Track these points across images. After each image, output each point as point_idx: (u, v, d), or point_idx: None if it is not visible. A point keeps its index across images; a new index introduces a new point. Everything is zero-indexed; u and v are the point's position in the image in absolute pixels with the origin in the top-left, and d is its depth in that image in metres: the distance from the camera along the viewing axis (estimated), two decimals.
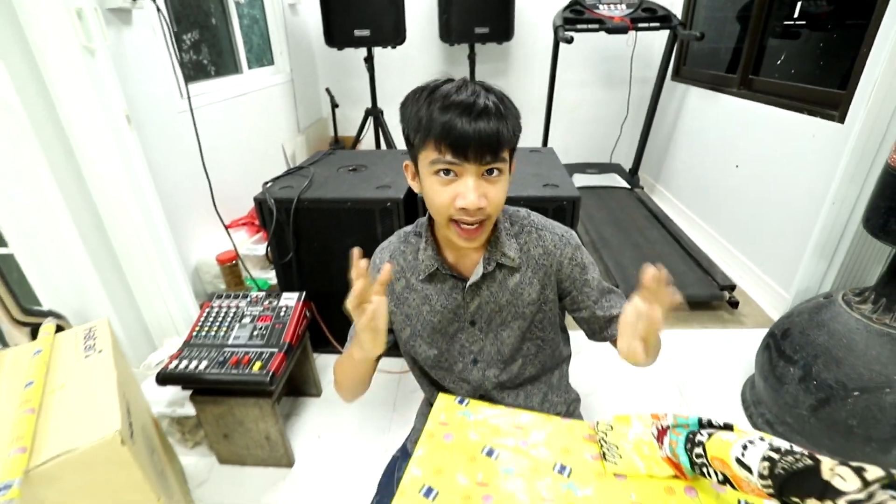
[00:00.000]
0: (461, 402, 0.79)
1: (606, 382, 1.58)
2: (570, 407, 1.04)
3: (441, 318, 0.89)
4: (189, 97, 1.55)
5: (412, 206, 1.49)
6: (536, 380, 0.95)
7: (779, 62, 2.10)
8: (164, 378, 1.12)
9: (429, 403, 1.09)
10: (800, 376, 1.21)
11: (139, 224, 1.36)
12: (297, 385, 1.52)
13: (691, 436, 0.59)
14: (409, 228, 0.95)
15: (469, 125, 0.65)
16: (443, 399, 0.80)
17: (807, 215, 1.73)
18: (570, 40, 2.30)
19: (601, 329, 0.87)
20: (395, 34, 2.43)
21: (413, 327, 0.92)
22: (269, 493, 1.25)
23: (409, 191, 1.49)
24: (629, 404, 1.50)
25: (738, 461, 0.51)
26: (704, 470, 0.58)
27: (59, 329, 1.17)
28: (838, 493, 0.42)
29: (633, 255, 2.12)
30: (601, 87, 3.17)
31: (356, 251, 0.68)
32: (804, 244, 1.70)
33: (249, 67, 2.37)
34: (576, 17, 2.45)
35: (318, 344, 1.57)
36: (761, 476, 0.48)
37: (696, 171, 2.62)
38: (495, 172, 0.70)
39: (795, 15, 2.04)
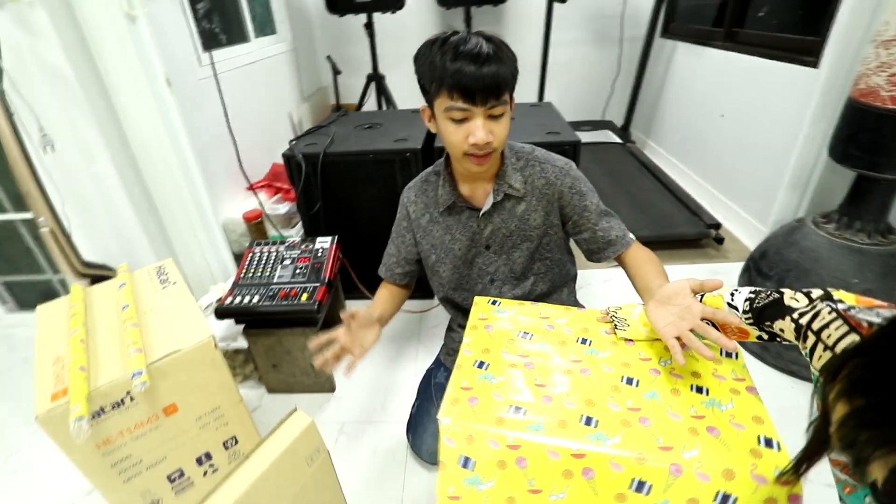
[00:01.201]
0: (493, 303, 0.95)
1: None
2: None
3: (460, 244, 1.05)
4: (213, 63, 1.65)
5: (428, 155, 1.62)
6: (547, 296, 1.12)
7: (761, 14, 2.22)
8: (223, 312, 1.28)
9: (452, 322, 1.27)
10: (774, 289, 1.39)
11: (180, 182, 1.49)
12: (330, 325, 1.68)
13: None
14: (429, 169, 1.11)
15: (475, 77, 0.78)
16: (478, 301, 0.95)
17: (783, 155, 1.89)
18: (563, 0, 2.39)
19: (600, 250, 1.01)
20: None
21: (437, 254, 1.08)
22: (317, 414, 1.42)
23: (425, 142, 1.62)
24: None
25: (729, 304, 0.68)
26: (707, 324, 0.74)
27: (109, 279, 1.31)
28: (794, 310, 0.59)
29: (627, 203, 2.29)
30: (592, 46, 3.26)
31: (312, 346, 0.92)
32: (780, 181, 1.87)
33: (256, 36, 2.44)
34: None
35: (346, 289, 1.73)
36: (744, 311, 0.65)
37: (685, 124, 2.76)
38: (500, 112, 0.84)
39: None
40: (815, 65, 1.75)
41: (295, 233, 2.13)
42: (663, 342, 0.77)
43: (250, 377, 1.54)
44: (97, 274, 1.43)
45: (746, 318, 0.65)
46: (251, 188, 2.13)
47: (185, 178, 1.50)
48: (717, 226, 2.05)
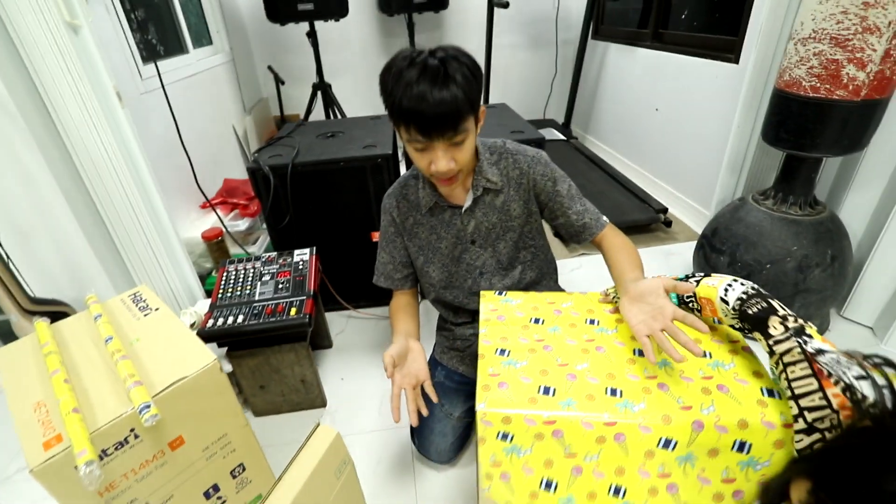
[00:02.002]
0: (500, 293, 0.99)
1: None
2: None
3: (447, 243, 1.07)
4: (160, 74, 1.54)
5: (397, 160, 1.63)
6: (537, 284, 1.17)
7: (683, 16, 2.45)
8: (207, 336, 1.20)
9: (444, 319, 1.29)
10: (728, 262, 1.54)
11: (137, 203, 1.39)
12: (315, 340, 1.63)
13: (683, 279, 0.83)
14: (406, 174, 1.12)
15: (430, 111, 0.78)
16: (486, 295, 0.98)
17: (716, 144, 2.10)
18: (506, 5, 2.49)
19: (577, 233, 1.07)
20: (338, 7, 2.47)
21: (425, 255, 1.10)
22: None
23: (394, 149, 1.62)
24: None
25: (721, 299, 0.75)
26: (691, 305, 0.82)
27: (64, 315, 1.20)
28: (771, 336, 0.66)
29: None
30: (530, 49, 3.41)
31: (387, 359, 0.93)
32: (716, 167, 2.07)
33: (193, 47, 2.31)
34: None
35: (322, 301, 1.68)
36: (733, 309, 0.73)
37: (622, 119, 2.96)
38: (460, 140, 0.85)
39: None
40: (735, 60, 1.97)
41: (257, 249, 2.04)
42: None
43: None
44: (48, 310, 1.30)
45: (732, 314, 0.73)
46: (207, 205, 2.02)
47: (143, 197, 1.39)
48: (665, 210, 2.23)
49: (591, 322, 0.88)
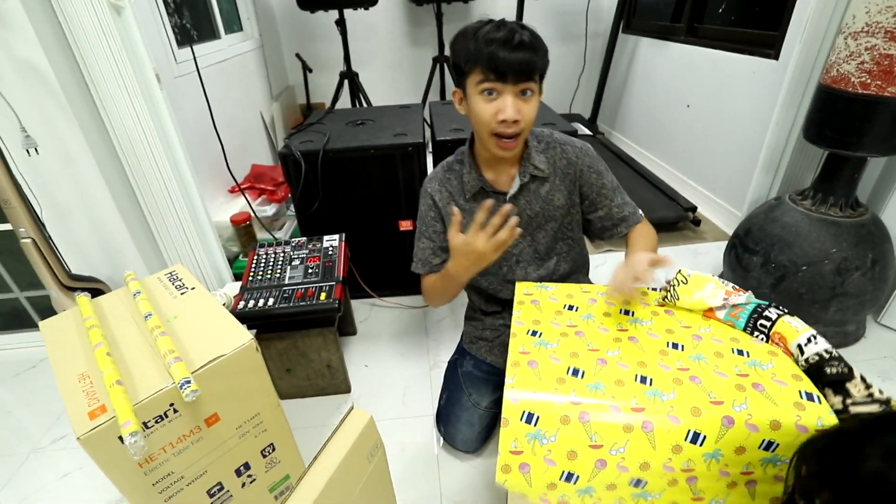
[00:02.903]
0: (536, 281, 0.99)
1: None
2: None
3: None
4: (195, 58, 1.56)
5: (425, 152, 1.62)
6: (569, 277, 1.16)
7: (720, 10, 2.38)
8: (238, 318, 1.21)
9: (473, 309, 1.28)
10: (761, 262, 1.51)
11: (172, 185, 1.41)
12: (342, 326, 1.64)
13: (759, 309, 0.80)
14: (450, 159, 1.11)
15: (508, 55, 0.83)
16: (521, 284, 0.98)
17: (750, 142, 2.04)
18: None
19: (613, 226, 1.07)
20: None
21: None
22: (336, 416, 1.39)
23: (424, 137, 1.62)
24: None
25: (799, 346, 0.72)
26: (756, 333, 0.79)
27: (100, 293, 1.23)
28: (850, 395, 0.64)
29: None
30: (559, 42, 3.36)
31: (457, 214, 0.88)
32: (749, 166, 2.02)
33: (225, 33, 2.33)
34: None
35: (349, 289, 1.70)
36: (806, 360, 0.70)
37: (651, 115, 2.91)
38: (528, 93, 0.87)
39: None
40: (775, 56, 1.91)
41: (283, 234, 2.06)
42: (699, 313, 0.85)
43: None
44: (86, 287, 1.33)
45: (802, 364, 0.72)
46: (236, 189, 2.04)
47: (177, 179, 1.41)
48: (694, 209, 2.18)
49: (626, 313, 0.87)
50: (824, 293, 1.40)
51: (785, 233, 1.47)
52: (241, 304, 1.25)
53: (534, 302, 0.90)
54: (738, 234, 1.64)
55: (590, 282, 1.24)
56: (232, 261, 1.90)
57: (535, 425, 0.69)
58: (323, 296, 1.25)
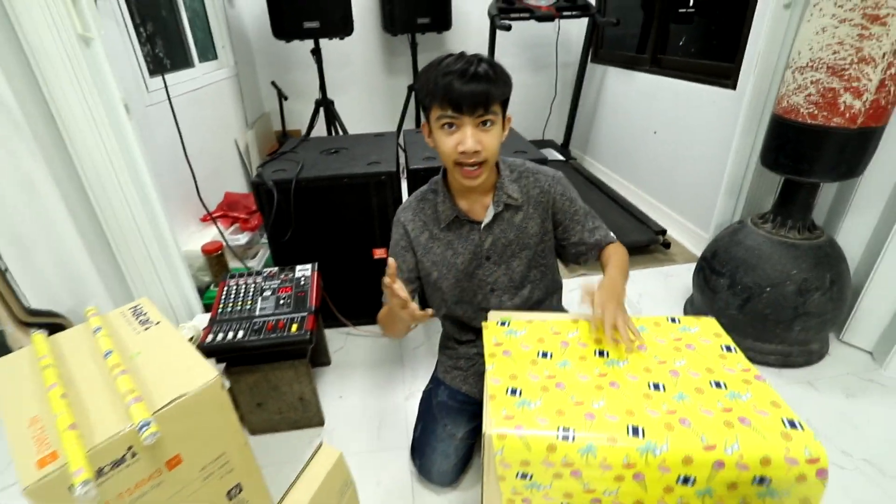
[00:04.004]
0: (503, 324, 0.97)
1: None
2: None
3: (463, 258, 1.07)
4: (167, 87, 1.55)
5: (398, 181, 1.64)
6: (541, 303, 1.17)
7: (681, 43, 2.51)
8: (207, 351, 1.18)
9: (447, 337, 1.28)
10: (728, 284, 1.55)
11: (139, 215, 1.38)
12: (315, 357, 1.61)
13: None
14: (424, 189, 1.13)
15: (463, 87, 0.85)
16: (488, 326, 0.96)
17: (714, 167, 2.13)
18: (508, 28, 2.54)
19: (587, 250, 1.09)
20: (343, 25, 2.52)
21: (439, 270, 1.10)
22: (308, 450, 1.35)
23: (398, 165, 1.63)
24: None
25: None
26: None
27: (60, 328, 1.18)
28: None
29: None
30: (531, 71, 3.47)
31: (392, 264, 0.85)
32: (714, 190, 2.09)
33: (199, 61, 2.34)
34: (508, 7, 2.70)
35: (322, 318, 1.67)
36: None
37: (620, 141, 3.01)
38: (488, 123, 0.89)
39: (691, 3, 2.45)
40: (732, 87, 2.01)
41: (256, 263, 2.03)
42: (668, 346, 0.87)
43: None
44: (45, 322, 1.27)
45: None
46: (208, 218, 2.01)
47: (146, 210, 1.39)
48: (664, 232, 2.25)
49: (601, 354, 0.87)
50: (787, 313, 1.45)
51: (748, 255, 1.52)
52: (210, 337, 1.21)
53: (505, 353, 0.88)
54: (705, 256, 1.69)
55: (562, 307, 1.26)
56: (204, 290, 1.86)
57: (530, 480, 0.71)
58: (294, 327, 1.23)
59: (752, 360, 0.88)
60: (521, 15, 2.69)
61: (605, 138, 3.20)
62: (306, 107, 2.95)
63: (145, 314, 1.03)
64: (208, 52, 2.55)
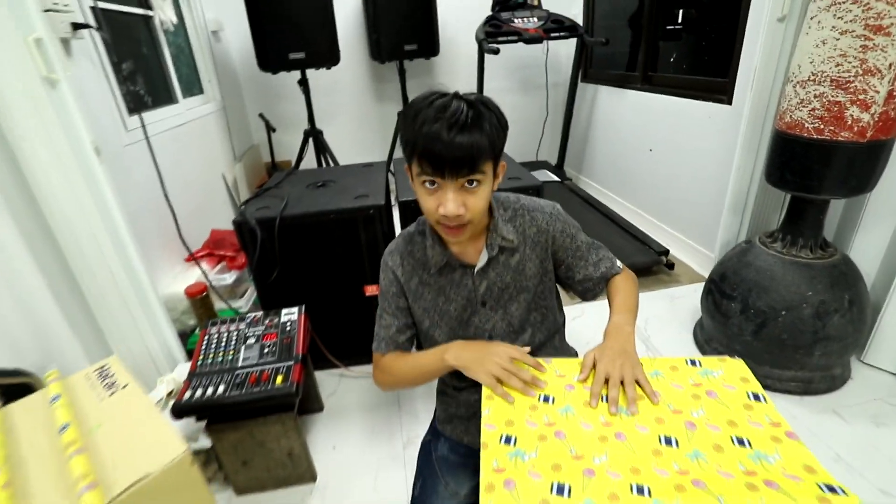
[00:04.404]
0: None
1: (593, 340, 1.78)
2: None
3: (456, 305, 0.99)
4: (144, 126, 1.50)
5: (389, 213, 1.57)
6: (543, 346, 1.08)
7: (672, 59, 2.48)
8: (183, 410, 1.09)
9: (444, 383, 1.18)
10: (740, 308, 1.47)
11: (112, 261, 1.30)
12: (300, 402, 1.51)
13: None
14: (411, 229, 1.04)
15: (445, 148, 0.74)
16: None
17: (714, 183, 2.07)
18: (496, 51, 2.52)
19: (595, 285, 1.01)
20: (329, 55, 2.49)
21: (431, 318, 1.01)
22: None
23: (387, 199, 1.57)
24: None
25: None
26: None
27: (28, 388, 1.09)
28: None
29: None
30: (521, 93, 3.46)
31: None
32: (717, 207, 2.03)
33: (183, 97, 2.29)
34: (495, 31, 2.69)
35: (312, 360, 1.58)
36: None
37: (615, 159, 2.96)
38: (475, 183, 0.79)
39: (679, 20, 2.44)
40: (728, 102, 1.97)
41: (244, 303, 1.94)
42: (686, 393, 0.78)
43: (214, 479, 1.32)
44: (7, 383, 1.17)
45: None
46: (191, 259, 1.93)
47: (120, 256, 1.31)
48: (666, 252, 2.17)
49: (606, 399, 0.78)
50: (806, 338, 1.36)
51: (760, 277, 1.44)
52: (188, 393, 1.12)
53: (506, 397, 0.80)
54: (713, 279, 1.61)
55: (566, 345, 1.17)
56: (189, 334, 1.76)
57: None
58: (280, 379, 1.13)
59: (770, 387, 0.80)
60: (509, 38, 2.68)
61: (600, 157, 3.16)
62: (295, 138, 2.90)
63: (112, 376, 0.94)
64: (193, 87, 2.51)
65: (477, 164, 0.77)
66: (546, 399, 0.79)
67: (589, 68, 3.23)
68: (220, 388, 1.12)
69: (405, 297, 1.01)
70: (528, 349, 0.87)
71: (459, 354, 0.89)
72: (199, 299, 1.73)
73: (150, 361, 1.45)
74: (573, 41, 2.99)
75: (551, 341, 1.10)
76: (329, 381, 1.67)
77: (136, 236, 1.69)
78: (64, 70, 1.13)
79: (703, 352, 1.67)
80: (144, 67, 1.99)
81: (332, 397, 1.61)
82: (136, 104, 1.78)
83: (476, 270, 0.95)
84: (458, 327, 1.01)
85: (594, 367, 0.81)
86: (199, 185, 2.30)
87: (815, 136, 1.26)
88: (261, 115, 2.85)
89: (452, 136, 0.74)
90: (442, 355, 0.91)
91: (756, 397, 0.75)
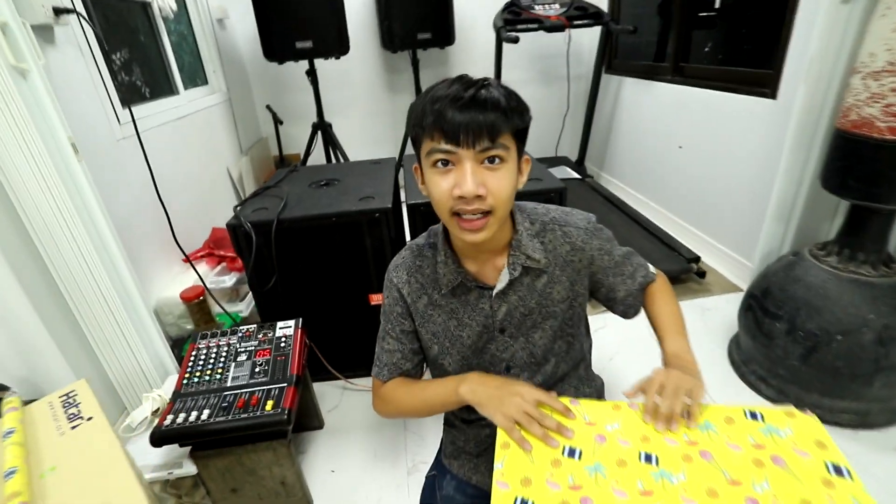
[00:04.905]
0: None
1: (618, 354, 1.68)
2: (599, 395, 1.04)
3: (469, 331, 0.85)
4: (134, 121, 1.39)
5: (397, 214, 1.44)
6: (567, 377, 0.94)
7: (706, 49, 2.29)
8: (162, 437, 0.98)
9: (453, 414, 1.05)
10: (786, 329, 1.31)
11: (96, 267, 1.20)
12: (297, 419, 1.40)
13: None
14: (420, 241, 0.90)
15: (460, 110, 0.63)
16: None
17: (753, 185, 1.89)
18: (515, 40, 2.36)
19: (634, 300, 0.88)
20: (338, 44, 2.36)
21: (441, 344, 0.87)
22: None
23: (394, 200, 1.44)
24: (636, 371, 1.58)
25: None
26: None
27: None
28: None
29: None
30: (541, 84, 3.29)
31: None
32: (756, 212, 1.86)
33: (185, 88, 2.19)
34: (514, 18, 2.52)
35: (311, 372, 1.47)
36: None
37: (640, 156, 2.78)
38: (496, 160, 0.66)
39: (715, 6, 2.24)
40: (771, 95, 1.78)
41: (245, 306, 1.83)
42: (745, 457, 0.64)
43: None
44: None
45: None
46: (188, 260, 1.83)
47: (104, 262, 1.21)
48: (697, 259, 2.00)
49: (647, 459, 0.64)
50: (866, 366, 1.20)
51: (811, 295, 1.28)
52: (170, 417, 1.01)
53: (525, 445, 0.67)
54: (754, 294, 1.45)
55: (591, 375, 1.02)
56: (186, 339, 1.67)
57: None
58: (269, 405, 1.02)
59: (820, 418, 0.69)
60: (529, 26, 2.51)
61: (624, 154, 2.98)
62: (304, 130, 2.79)
63: (77, 405, 0.84)
64: (197, 78, 2.40)
65: (498, 135, 0.64)
66: (572, 452, 0.66)
67: (614, 58, 3.04)
68: (205, 413, 1.01)
69: (411, 319, 0.88)
70: (555, 395, 0.74)
71: (476, 389, 0.76)
72: (196, 304, 1.64)
73: (139, 374, 1.35)
74: (597, 29, 2.80)
75: (576, 371, 0.96)
76: (331, 394, 1.56)
77: (130, 237, 1.60)
78: (36, 59, 1.02)
79: (741, 373, 1.51)
80: (142, 57, 1.89)
81: (333, 412, 1.50)
82: (131, 96, 1.67)
83: (495, 293, 0.81)
84: (472, 355, 0.87)
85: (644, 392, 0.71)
86: (202, 181, 2.20)
87: (888, 137, 1.08)
88: (268, 107, 2.74)
89: (468, 101, 0.62)
90: (456, 387, 0.78)
91: (837, 470, 0.61)
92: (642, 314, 0.92)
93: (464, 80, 0.67)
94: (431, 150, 0.66)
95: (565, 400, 0.76)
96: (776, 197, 1.53)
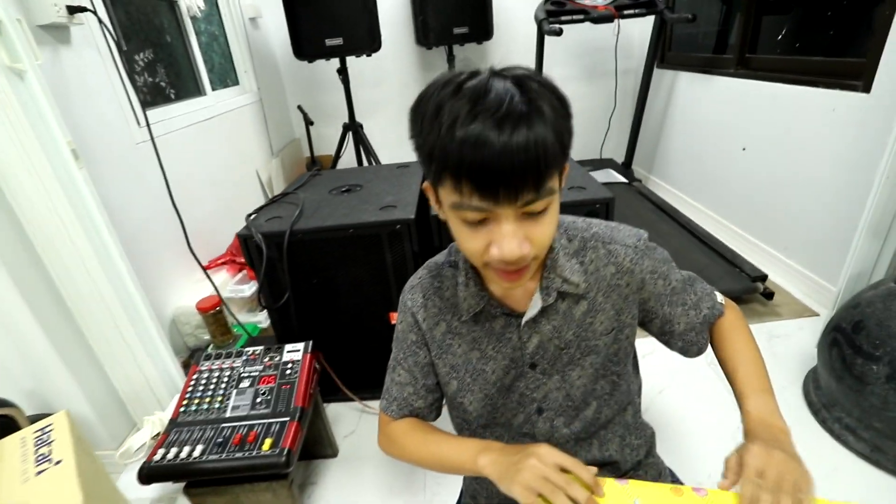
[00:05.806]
0: None
1: (668, 388, 1.49)
2: (649, 448, 0.86)
3: (494, 364, 0.70)
4: (149, 125, 1.32)
5: (425, 225, 1.30)
6: (610, 422, 0.77)
7: (779, 37, 2.02)
8: (150, 475, 0.89)
9: None
10: (887, 375, 1.07)
11: (99, 278, 1.13)
12: (308, 447, 1.29)
13: None
14: (440, 259, 0.76)
15: (497, 156, 0.45)
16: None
17: (837, 192, 1.63)
18: (559, 32, 2.17)
19: (697, 336, 0.72)
20: (370, 41, 2.25)
21: (461, 379, 0.73)
22: None
23: (420, 208, 1.30)
24: (691, 410, 1.39)
25: None
26: None
27: (9, 423, 0.93)
28: None
29: None
30: (585, 81, 3.07)
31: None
32: (839, 225, 1.60)
33: (213, 89, 2.14)
34: (558, 9, 2.33)
35: (326, 392, 1.36)
36: None
37: (697, 159, 2.52)
38: (539, 209, 0.51)
39: None
40: (864, 89, 1.52)
41: (264, 317, 1.76)
42: None
43: None
44: None
45: None
46: (212, 265, 1.77)
47: (109, 275, 1.14)
48: (764, 277, 1.76)
49: None
50: None
51: None
52: (161, 452, 0.92)
53: None
54: (841, 327, 1.21)
55: (640, 423, 0.85)
56: (202, 350, 1.60)
57: None
58: (267, 444, 0.91)
59: None
60: (574, 17, 2.31)
61: (678, 156, 2.72)
62: (337, 131, 2.71)
63: (50, 443, 0.75)
64: (227, 78, 2.37)
65: (544, 177, 0.48)
66: None
67: (667, 51, 2.78)
68: (198, 449, 0.91)
69: (426, 349, 0.74)
70: (580, 462, 0.58)
71: (497, 460, 0.61)
72: (212, 315, 1.57)
73: (148, 391, 1.28)
74: (650, 19, 2.56)
75: (622, 416, 0.79)
76: (348, 418, 1.44)
77: (148, 242, 1.56)
78: (34, 59, 0.95)
79: (822, 419, 1.27)
80: (167, 57, 1.84)
81: (349, 438, 1.38)
82: (154, 98, 1.62)
83: (524, 321, 0.66)
84: (497, 394, 0.72)
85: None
86: (229, 185, 2.15)
87: None
88: (299, 107, 2.68)
89: (505, 136, 0.45)
90: (476, 456, 0.63)
91: None
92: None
93: (491, 98, 0.46)
94: (458, 205, 0.50)
95: (610, 481, 0.59)
96: (871, 209, 1.29)
